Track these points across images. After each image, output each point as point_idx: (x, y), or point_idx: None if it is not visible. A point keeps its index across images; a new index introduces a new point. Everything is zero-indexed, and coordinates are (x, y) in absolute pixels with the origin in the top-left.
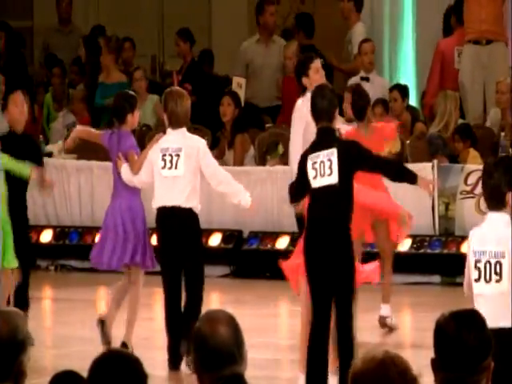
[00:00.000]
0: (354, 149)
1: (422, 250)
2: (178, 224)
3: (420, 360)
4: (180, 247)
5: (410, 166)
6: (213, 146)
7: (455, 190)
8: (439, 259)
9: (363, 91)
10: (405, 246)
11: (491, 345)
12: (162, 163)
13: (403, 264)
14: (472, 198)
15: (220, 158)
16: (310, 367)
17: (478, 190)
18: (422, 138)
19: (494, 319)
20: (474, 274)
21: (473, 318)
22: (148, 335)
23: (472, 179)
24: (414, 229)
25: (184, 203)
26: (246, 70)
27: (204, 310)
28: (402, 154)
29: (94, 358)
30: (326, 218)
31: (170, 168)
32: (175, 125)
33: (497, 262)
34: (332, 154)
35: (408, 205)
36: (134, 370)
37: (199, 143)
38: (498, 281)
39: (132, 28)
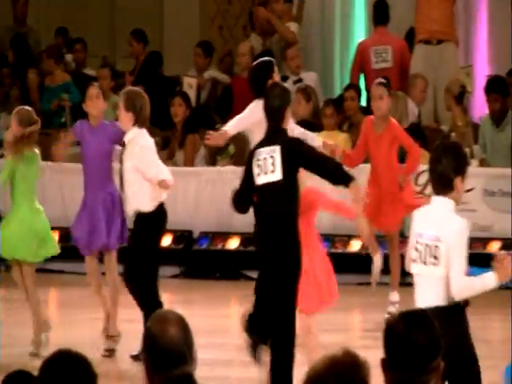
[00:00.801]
0: (298, 146)
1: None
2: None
3: (370, 360)
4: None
5: (362, 166)
6: (163, 146)
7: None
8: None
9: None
10: (354, 246)
11: (440, 345)
12: None
13: (353, 264)
14: (422, 198)
15: (170, 158)
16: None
17: (429, 189)
18: None
19: (431, 299)
20: (413, 254)
21: (422, 318)
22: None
23: (422, 179)
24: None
25: (130, 206)
26: None
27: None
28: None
29: (44, 358)
30: (272, 215)
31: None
32: (142, 124)
33: (435, 245)
34: (274, 151)
35: None
36: (83, 369)
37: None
38: (434, 264)
39: (83, 29)
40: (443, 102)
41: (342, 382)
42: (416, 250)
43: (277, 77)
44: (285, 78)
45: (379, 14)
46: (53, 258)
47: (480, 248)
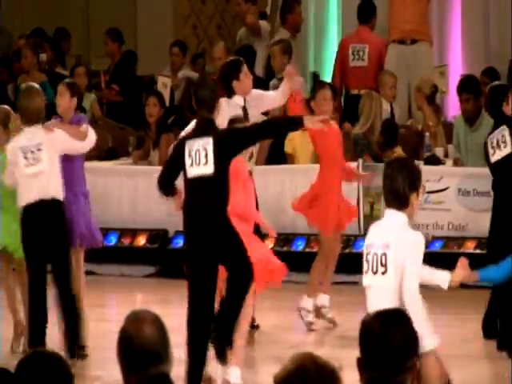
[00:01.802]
0: (231, 133)
1: (347, 250)
2: (47, 216)
3: (345, 359)
4: (47, 240)
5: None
6: (138, 145)
7: (380, 190)
8: None
9: None
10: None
11: (416, 345)
12: (24, 161)
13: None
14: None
15: (145, 158)
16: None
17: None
18: (347, 138)
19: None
20: (364, 266)
21: (398, 317)
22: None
23: None
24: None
25: (51, 195)
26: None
27: (130, 310)
28: None
29: (20, 358)
30: (203, 209)
31: (33, 164)
32: (29, 122)
33: (383, 253)
34: (207, 143)
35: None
36: (59, 369)
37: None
38: (383, 273)
39: (57, 28)
40: None
41: None
42: (366, 261)
43: (245, 76)
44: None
45: (362, 13)
46: None
47: (455, 247)
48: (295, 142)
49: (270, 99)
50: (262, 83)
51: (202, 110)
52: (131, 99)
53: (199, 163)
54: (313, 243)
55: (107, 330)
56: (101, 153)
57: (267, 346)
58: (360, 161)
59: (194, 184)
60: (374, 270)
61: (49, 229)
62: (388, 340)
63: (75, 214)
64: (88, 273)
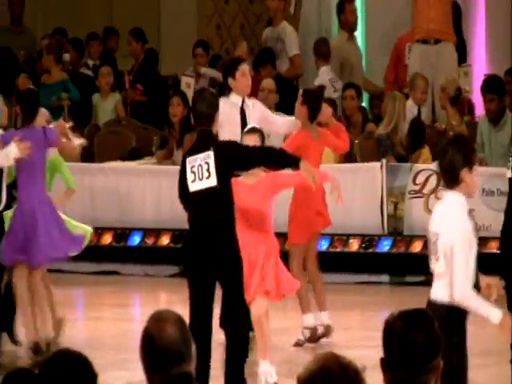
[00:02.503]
0: (231, 148)
1: (370, 250)
2: None
3: (369, 359)
4: None
5: (359, 165)
6: (161, 145)
7: (404, 190)
8: (388, 259)
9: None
10: (354, 245)
11: (440, 344)
12: None
13: (352, 263)
14: (420, 197)
15: (169, 157)
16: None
17: (427, 189)
18: (370, 138)
19: (439, 294)
20: (429, 252)
21: (421, 317)
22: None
23: (420, 179)
24: (362, 228)
25: None
26: (339, 67)
27: (153, 310)
28: (351, 153)
29: (44, 358)
30: (209, 220)
31: None
32: None
33: (436, 240)
34: (209, 156)
35: (357, 204)
36: (84, 369)
37: None
38: (437, 259)
39: (82, 28)
40: None
41: None
42: (429, 247)
43: (242, 76)
44: None
45: None
46: None
47: (479, 248)
48: None
49: (274, 125)
50: (287, 84)
51: (201, 123)
52: (155, 99)
53: (202, 178)
54: (336, 243)
55: (131, 330)
56: (124, 153)
57: (290, 347)
58: (384, 161)
59: (197, 197)
60: (434, 257)
61: None
62: (411, 340)
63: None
64: (112, 273)
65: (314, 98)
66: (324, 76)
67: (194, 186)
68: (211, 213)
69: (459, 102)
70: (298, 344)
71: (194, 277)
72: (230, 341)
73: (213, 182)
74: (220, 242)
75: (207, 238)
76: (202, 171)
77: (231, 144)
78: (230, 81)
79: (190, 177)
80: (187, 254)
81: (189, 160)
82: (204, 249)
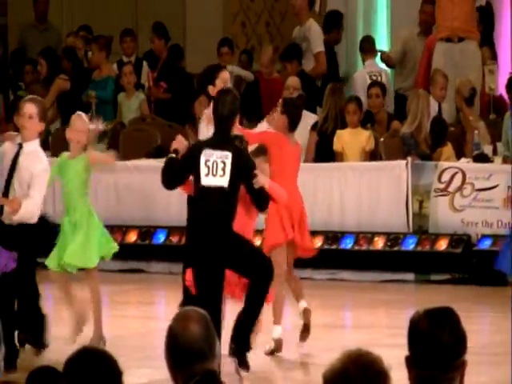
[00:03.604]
0: (247, 162)
1: (395, 248)
2: None
3: (394, 357)
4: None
5: (384, 164)
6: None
7: (429, 188)
8: (413, 257)
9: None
10: (379, 243)
11: (465, 342)
12: None
13: (377, 261)
14: (446, 195)
15: None
16: None
17: (452, 187)
18: (395, 136)
19: None
20: None
21: (447, 315)
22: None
23: (446, 177)
24: (387, 226)
25: None
26: (401, 56)
27: (177, 308)
28: (376, 151)
29: (68, 355)
30: (210, 217)
31: None
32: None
33: None
34: (227, 156)
35: (382, 202)
36: (109, 366)
37: None
38: None
39: (106, 26)
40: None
41: None
42: None
43: (221, 82)
44: None
45: None
46: None
47: None
48: (344, 139)
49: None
50: (309, 82)
51: (222, 125)
52: (180, 96)
53: (216, 174)
54: (362, 241)
55: (156, 328)
56: (149, 151)
57: (315, 344)
58: (409, 159)
59: (206, 192)
60: None
61: None
62: (437, 338)
63: None
64: (137, 271)
65: (294, 108)
66: (367, 68)
67: (206, 180)
68: (215, 211)
69: (473, 102)
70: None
71: (198, 270)
72: (251, 290)
73: (225, 182)
74: (219, 237)
75: (206, 233)
76: (217, 169)
77: (247, 158)
78: (211, 88)
79: (203, 170)
80: (189, 247)
81: (205, 152)
82: (203, 243)
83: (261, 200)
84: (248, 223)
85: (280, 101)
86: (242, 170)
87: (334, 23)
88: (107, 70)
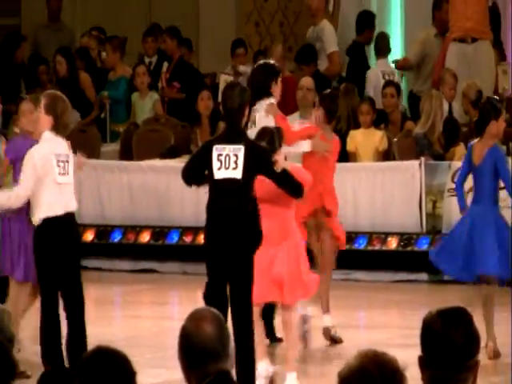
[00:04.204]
0: (261, 153)
1: (409, 248)
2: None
3: (407, 358)
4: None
5: (398, 164)
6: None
7: (443, 188)
8: (426, 257)
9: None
10: (392, 243)
11: (478, 343)
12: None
13: (390, 261)
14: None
15: None
16: None
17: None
18: (409, 136)
19: None
20: None
21: (460, 315)
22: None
23: None
24: (401, 226)
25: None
26: (419, 59)
27: (191, 308)
28: (389, 151)
29: (82, 355)
30: (227, 210)
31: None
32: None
33: None
34: (239, 149)
35: (395, 202)
36: (122, 366)
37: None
38: None
39: (119, 26)
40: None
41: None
42: None
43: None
44: None
45: None
46: (89, 256)
47: None
48: (357, 139)
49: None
50: (324, 81)
51: (232, 119)
52: (192, 96)
53: (228, 167)
54: (375, 241)
55: (169, 328)
56: (163, 151)
57: (329, 345)
58: (422, 159)
59: (220, 185)
60: None
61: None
62: (450, 338)
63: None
64: (149, 271)
65: (330, 100)
66: (380, 68)
67: (219, 174)
68: (230, 204)
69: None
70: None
71: (210, 264)
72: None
73: (238, 174)
74: (234, 236)
75: (223, 227)
76: (230, 162)
77: (262, 149)
78: (273, 85)
79: (216, 164)
80: (205, 238)
81: (216, 147)
82: (218, 239)
83: (291, 186)
84: (287, 217)
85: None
86: (258, 161)
87: (366, 23)
88: (122, 71)
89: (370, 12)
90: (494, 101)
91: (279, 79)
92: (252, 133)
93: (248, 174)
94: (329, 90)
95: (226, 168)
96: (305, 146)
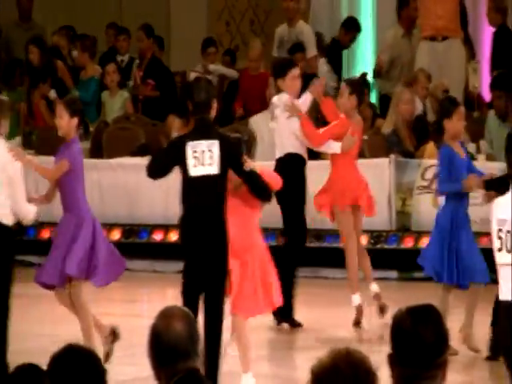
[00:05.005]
0: (235, 147)
1: (378, 246)
2: None
3: (377, 355)
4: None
5: (367, 161)
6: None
7: (412, 186)
8: (396, 254)
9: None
10: (362, 241)
11: (447, 340)
12: None
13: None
14: (429, 192)
15: None
16: None
17: (435, 184)
18: (379, 134)
19: None
20: (497, 243)
21: (429, 313)
22: None
23: (429, 174)
24: (371, 224)
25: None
26: (389, 65)
27: (161, 305)
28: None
29: (53, 353)
30: (204, 206)
31: None
32: None
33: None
34: (213, 144)
35: None
36: (93, 364)
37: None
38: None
39: (90, 24)
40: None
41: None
42: (499, 238)
43: (289, 79)
44: None
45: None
46: None
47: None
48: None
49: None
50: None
51: (200, 112)
52: (166, 94)
53: (204, 163)
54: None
55: (139, 326)
56: (133, 149)
57: (307, 342)
58: (392, 157)
59: (196, 182)
60: (509, 248)
61: None
62: (420, 336)
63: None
64: None
65: (359, 86)
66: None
67: (195, 171)
68: (207, 200)
69: None
70: None
71: (187, 259)
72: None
73: (214, 170)
74: (211, 233)
75: (200, 224)
76: (205, 158)
77: (234, 144)
78: (280, 82)
79: (191, 162)
80: (180, 236)
81: (190, 144)
82: (195, 236)
83: (259, 186)
84: (250, 218)
85: (342, 84)
86: (230, 155)
87: (352, 27)
88: (92, 71)
89: (355, 20)
90: (445, 100)
91: (288, 75)
92: (273, 126)
93: (223, 168)
94: (356, 78)
95: (202, 164)
96: (335, 147)
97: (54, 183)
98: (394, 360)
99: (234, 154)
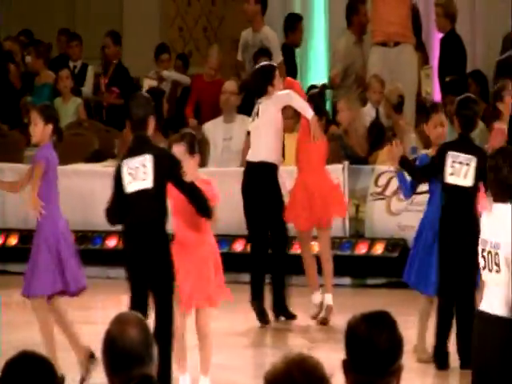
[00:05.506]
0: (169, 160)
1: (332, 252)
2: None
3: (331, 361)
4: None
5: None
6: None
7: (365, 192)
8: (349, 261)
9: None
10: (315, 247)
11: (402, 347)
12: None
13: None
14: (382, 199)
15: None
16: None
17: (389, 191)
18: (333, 140)
19: (496, 309)
20: (481, 262)
21: (384, 319)
22: None
23: (382, 180)
24: None
25: None
26: (343, 72)
27: (115, 312)
28: None
29: (6, 359)
30: (142, 223)
31: None
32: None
33: (496, 252)
34: (146, 159)
35: None
36: (47, 371)
37: None
38: (497, 271)
39: (45, 28)
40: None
41: None
42: (482, 257)
43: (277, 81)
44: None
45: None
46: (13, 260)
47: None
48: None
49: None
50: None
51: (137, 129)
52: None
53: (138, 179)
54: (297, 245)
55: (93, 333)
56: (87, 155)
57: (269, 348)
58: (345, 163)
59: (133, 198)
60: (490, 267)
61: None
62: (374, 343)
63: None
64: None
65: (320, 99)
66: None
67: (130, 187)
68: (145, 215)
69: (402, 109)
70: None
71: (130, 279)
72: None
73: (148, 184)
74: (152, 247)
75: (140, 240)
76: (139, 173)
77: (170, 157)
78: (270, 89)
79: (126, 178)
80: (125, 256)
81: (125, 162)
82: (137, 252)
83: (199, 201)
84: (199, 235)
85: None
86: (166, 168)
87: (293, 25)
88: (45, 77)
89: (297, 14)
90: (423, 105)
91: (275, 81)
92: (254, 124)
93: (158, 182)
94: (316, 91)
95: (136, 180)
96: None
97: (28, 179)
98: (348, 366)
99: (170, 167)
